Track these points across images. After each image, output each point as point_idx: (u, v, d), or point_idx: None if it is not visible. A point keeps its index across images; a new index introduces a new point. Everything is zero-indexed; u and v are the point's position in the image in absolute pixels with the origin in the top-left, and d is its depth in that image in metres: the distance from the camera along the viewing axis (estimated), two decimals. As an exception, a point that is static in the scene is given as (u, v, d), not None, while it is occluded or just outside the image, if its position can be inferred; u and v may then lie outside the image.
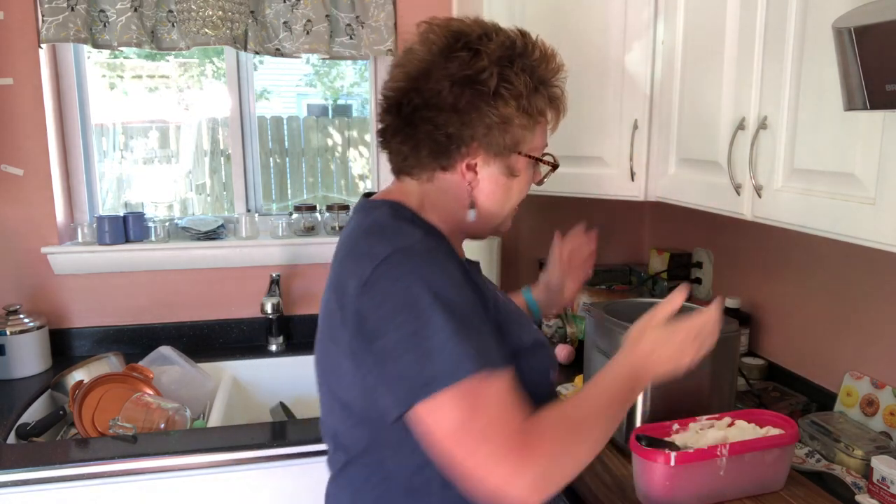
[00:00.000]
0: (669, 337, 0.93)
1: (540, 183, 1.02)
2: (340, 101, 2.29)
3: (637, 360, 0.92)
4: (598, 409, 0.86)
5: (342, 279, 0.87)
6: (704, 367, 1.05)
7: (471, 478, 0.77)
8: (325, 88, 2.29)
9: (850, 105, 0.85)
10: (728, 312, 1.70)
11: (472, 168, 0.93)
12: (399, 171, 0.98)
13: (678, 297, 0.95)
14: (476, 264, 1.03)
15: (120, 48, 1.83)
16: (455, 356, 0.78)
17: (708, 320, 0.96)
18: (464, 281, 0.85)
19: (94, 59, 2.02)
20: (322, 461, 1.44)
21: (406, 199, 0.96)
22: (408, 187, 0.97)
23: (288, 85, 2.26)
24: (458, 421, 0.77)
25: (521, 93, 0.89)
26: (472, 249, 1.93)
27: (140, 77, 2.11)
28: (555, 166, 1.01)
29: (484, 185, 0.94)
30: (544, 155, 1.00)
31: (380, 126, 0.97)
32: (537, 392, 0.89)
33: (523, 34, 0.95)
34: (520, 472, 0.76)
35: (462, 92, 0.88)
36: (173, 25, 1.85)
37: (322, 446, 1.41)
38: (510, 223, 1.03)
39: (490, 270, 1.99)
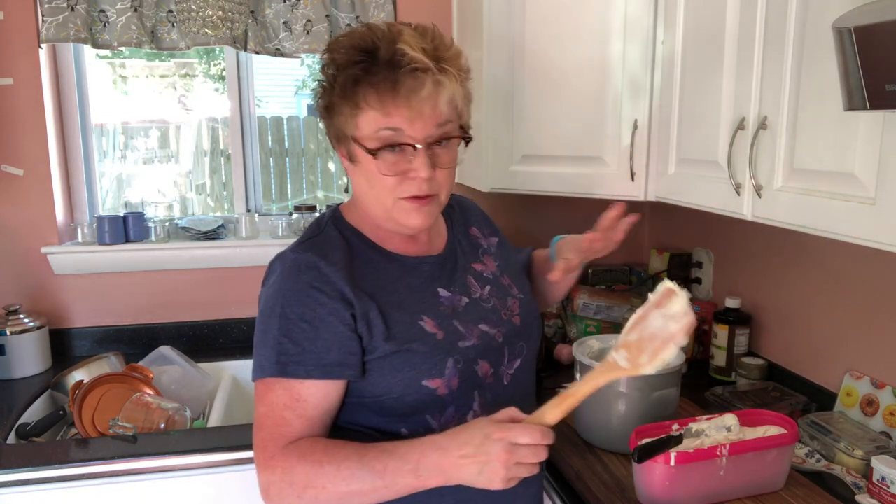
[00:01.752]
0: (483, 441, 0.84)
1: (417, 173, 0.97)
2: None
3: (432, 468, 0.86)
4: (352, 477, 0.88)
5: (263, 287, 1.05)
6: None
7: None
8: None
9: (850, 105, 0.85)
10: (728, 312, 1.70)
11: (342, 156, 1.03)
12: None
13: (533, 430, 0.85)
14: (415, 260, 1.05)
15: (120, 48, 1.83)
16: (270, 357, 0.94)
17: (532, 436, 0.85)
18: (313, 294, 0.95)
19: (95, 59, 2.02)
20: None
21: (350, 199, 1.09)
22: None
23: (285, 86, 2.26)
24: (255, 413, 0.96)
25: (331, 84, 0.97)
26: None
27: (148, 77, 2.11)
28: (370, 151, 0.95)
29: (350, 173, 1.04)
30: (385, 137, 0.96)
31: None
32: (409, 394, 0.96)
33: (370, 29, 0.98)
34: (260, 469, 0.93)
35: (319, 88, 1.01)
36: (173, 25, 1.85)
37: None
38: (409, 218, 0.99)
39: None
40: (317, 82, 1.02)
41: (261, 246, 2.01)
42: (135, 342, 1.99)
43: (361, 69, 0.94)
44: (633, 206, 2.30)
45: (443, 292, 1.04)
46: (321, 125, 1.08)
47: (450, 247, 1.11)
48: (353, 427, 0.99)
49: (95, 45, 1.81)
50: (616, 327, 1.61)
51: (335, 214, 1.07)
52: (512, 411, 0.89)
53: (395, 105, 0.93)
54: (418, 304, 1.01)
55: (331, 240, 1.02)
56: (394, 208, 0.98)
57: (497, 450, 0.83)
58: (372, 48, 0.95)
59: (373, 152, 0.95)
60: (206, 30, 1.77)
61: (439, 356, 0.97)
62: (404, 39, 0.94)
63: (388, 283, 1.01)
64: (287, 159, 2.22)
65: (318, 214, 2.08)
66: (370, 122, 0.95)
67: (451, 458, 0.86)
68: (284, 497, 0.91)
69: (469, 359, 1.00)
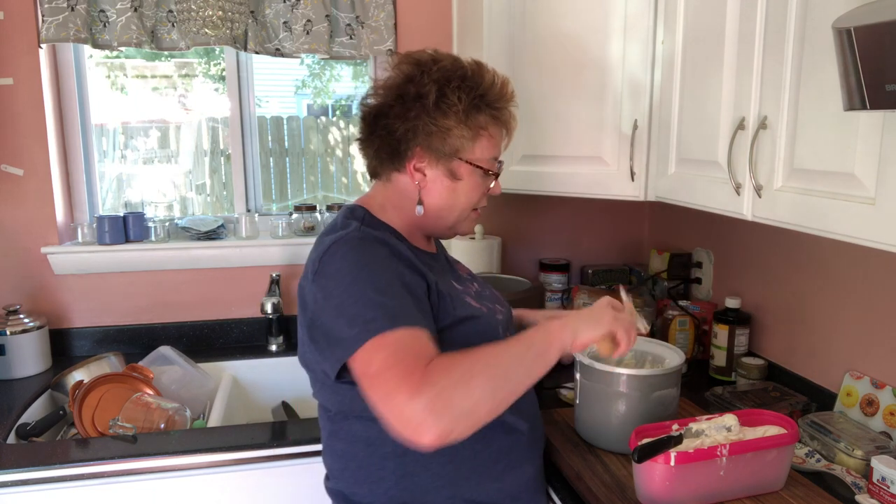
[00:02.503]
0: (585, 309, 1.08)
1: (494, 191, 1.18)
2: (339, 102, 2.29)
3: (554, 321, 1.03)
4: (500, 353, 0.95)
5: (305, 271, 1.07)
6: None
7: (381, 412, 0.87)
8: (317, 91, 2.28)
9: (850, 105, 0.85)
10: (728, 312, 1.71)
11: (419, 170, 1.11)
12: (370, 174, 1.19)
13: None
14: (434, 255, 1.21)
15: (120, 48, 1.83)
16: (376, 317, 0.92)
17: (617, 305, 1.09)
18: (394, 262, 1.01)
19: (95, 59, 2.02)
20: (321, 461, 1.44)
21: (369, 201, 1.16)
22: (374, 190, 1.18)
23: (285, 86, 2.26)
24: (373, 366, 0.90)
25: (458, 108, 1.07)
26: (472, 251, 1.93)
27: (144, 77, 2.10)
28: (496, 174, 1.16)
29: (431, 186, 1.12)
30: (496, 166, 1.16)
31: (357, 136, 1.19)
32: None
33: (478, 64, 1.13)
34: (414, 396, 0.84)
35: (410, 105, 1.08)
36: (173, 25, 1.85)
37: (321, 446, 1.41)
38: (469, 226, 1.19)
39: (490, 270, 1.99)
40: (399, 97, 1.09)
41: (261, 246, 2.01)
42: (135, 342, 1.99)
43: (480, 99, 1.09)
44: (633, 206, 2.31)
45: (456, 284, 1.17)
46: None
47: (440, 250, 1.27)
48: None
49: (95, 45, 1.81)
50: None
51: (365, 212, 1.13)
52: None
53: (504, 136, 1.16)
54: (454, 289, 1.13)
55: (380, 227, 1.10)
56: (467, 218, 1.17)
57: (604, 303, 1.08)
58: (481, 82, 1.10)
59: (496, 175, 1.15)
60: (206, 30, 1.77)
61: (493, 325, 1.13)
62: (495, 72, 1.13)
63: (429, 270, 1.10)
64: (287, 159, 2.22)
65: (317, 215, 2.09)
66: (486, 148, 1.12)
67: (568, 314, 1.05)
68: (453, 403, 0.86)
69: (505, 330, 1.17)
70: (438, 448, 0.86)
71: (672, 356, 1.36)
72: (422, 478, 1.07)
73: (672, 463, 1.05)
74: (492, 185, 1.16)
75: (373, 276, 0.97)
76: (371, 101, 1.13)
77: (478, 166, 1.12)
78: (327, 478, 1.18)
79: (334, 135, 2.26)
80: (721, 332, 1.70)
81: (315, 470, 1.43)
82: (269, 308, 1.97)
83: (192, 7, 1.76)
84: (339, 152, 2.27)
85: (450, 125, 1.07)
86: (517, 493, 1.15)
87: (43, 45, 1.83)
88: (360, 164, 2.29)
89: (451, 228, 1.17)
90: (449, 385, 0.86)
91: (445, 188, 1.12)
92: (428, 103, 1.07)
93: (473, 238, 1.99)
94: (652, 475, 1.07)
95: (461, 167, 1.11)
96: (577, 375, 1.34)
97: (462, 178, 1.12)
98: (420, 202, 1.12)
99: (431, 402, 0.84)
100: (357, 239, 1.03)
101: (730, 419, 1.16)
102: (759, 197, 1.17)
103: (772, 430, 1.16)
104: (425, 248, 1.18)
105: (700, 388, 1.62)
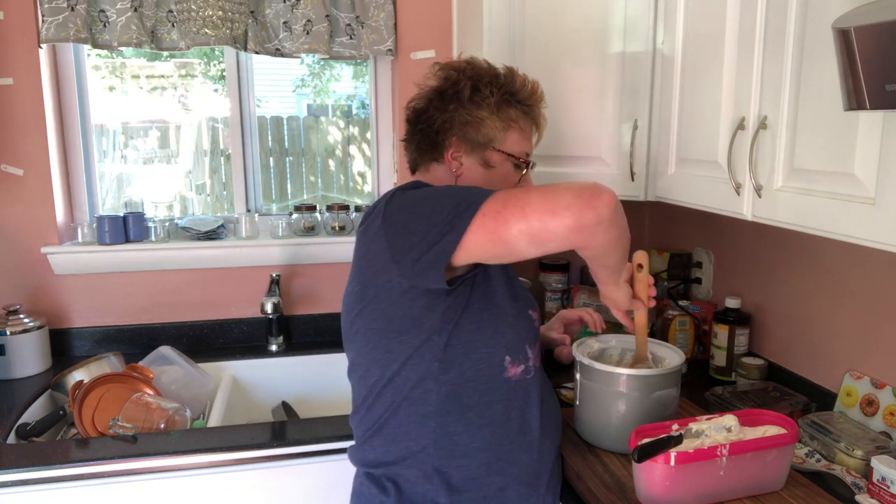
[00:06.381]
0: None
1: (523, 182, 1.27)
2: (339, 102, 2.29)
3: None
4: None
5: (365, 225, 1.12)
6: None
7: (552, 198, 0.94)
8: (317, 90, 2.28)
9: (850, 105, 0.85)
10: (728, 312, 1.71)
11: (456, 159, 1.21)
12: (411, 169, 1.30)
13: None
14: None
15: (120, 48, 1.83)
16: (477, 192, 0.99)
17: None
18: None
19: (94, 59, 2.02)
20: (321, 461, 1.44)
21: None
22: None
23: (285, 85, 2.26)
24: (504, 200, 0.96)
25: (490, 101, 1.19)
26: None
27: (139, 77, 2.11)
28: (526, 164, 1.25)
29: (466, 174, 1.22)
30: (525, 158, 1.25)
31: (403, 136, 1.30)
32: (521, 319, 1.18)
33: (510, 69, 1.25)
34: (561, 188, 0.95)
35: (448, 100, 1.20)
36: (173, 25, 1.85)
37: (321, 446, 1.42)
38: None
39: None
40: (438, 94, 1.21)
41: (261, 246, 2.01)
42: (135, 342, 1.99)
43: (511, 95, 1.21)
44: (633, 206, 2.30)
45: None
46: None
47: None
48: (464, 360, 1.10)
49: (95, 45, 1.81)
50: (616, 327, 1.60)
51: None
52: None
53: (534, 131, 1.27)
54: None
55: None
56: None
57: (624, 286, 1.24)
58: (512, 82, 1.22)
59: (524, 165, 1.24)
60: (206, 30, 1.77)
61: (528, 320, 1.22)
62: (526, 76, 1.25)
63: None
64: (287, 159, 2.22)
65: (317, 215, 2.09)
66: (517, 141, 1.22)
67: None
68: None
69: (536, 334, 1.24)
70: (612, 214, 0.94)
71: (672, 356, 1.36)
72: (460, 438, 1.11)
73: (672, 463, 1.05)
74: (524, 175, 1.25)
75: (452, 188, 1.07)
76: (414, 104, 1.25)
77: (510, 155, 1.22)
78: (354, 447, 1.20)
79: (334, 135, 2.26)
80: (721, 332, 1.70)
81: (315, 470, 1.44)
82: (269, 308, 1.97)
83: (192, 7, 1.75)
84: (338, 152, 2.27)
85: (483, 116, 1.19)
86: (540, 472, 1.19)
87: (43, 45, 1.83)
88: (359, 164, 2.29)
89: None
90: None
91: (480, 176, 1.22)
92: (464, 97, 1.18)
93: (473, 238, 1.99)
94: (652, 475, 1.07)
95: (494, 156, 1.21)
96: (577, 375, 1.34)
97: (495, 167, 1.22)
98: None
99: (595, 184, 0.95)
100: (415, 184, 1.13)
101: (730, 419, 1.16)
102: (759, 197, 1.17)
103: (772, 430, 1.16)
104: None
105: (700, 388, 1.62)
